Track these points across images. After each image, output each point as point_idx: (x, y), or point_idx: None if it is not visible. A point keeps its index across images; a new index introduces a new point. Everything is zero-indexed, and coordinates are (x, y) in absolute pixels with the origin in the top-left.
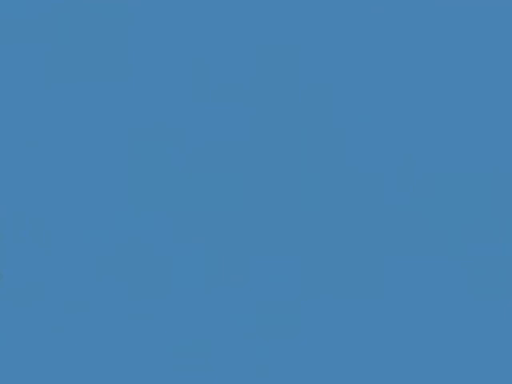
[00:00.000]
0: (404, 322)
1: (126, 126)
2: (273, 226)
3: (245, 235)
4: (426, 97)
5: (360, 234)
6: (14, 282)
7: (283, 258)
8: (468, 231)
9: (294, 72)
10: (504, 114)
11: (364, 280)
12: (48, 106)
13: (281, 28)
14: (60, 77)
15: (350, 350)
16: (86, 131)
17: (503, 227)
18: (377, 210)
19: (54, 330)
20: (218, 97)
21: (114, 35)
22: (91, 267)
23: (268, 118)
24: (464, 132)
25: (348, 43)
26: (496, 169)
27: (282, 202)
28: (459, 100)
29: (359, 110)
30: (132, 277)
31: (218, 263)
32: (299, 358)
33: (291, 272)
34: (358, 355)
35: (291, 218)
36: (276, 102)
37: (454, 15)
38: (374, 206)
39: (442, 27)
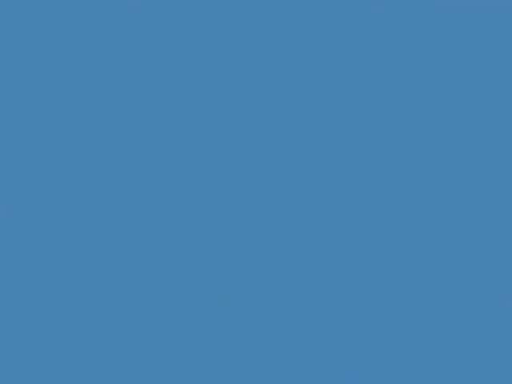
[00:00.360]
0: (404, 322)
1: (126, 126)
2: (272, 225)
3: (245, 234)
4: (426, 97)
5: (360, 233)
6: (13, 281)
7: (283, 258)
8: (468, 231)
9: (294, 72)
10: (504, 114)
11: (364, 280)
12: (48, 105)
13: (281, 28)
14: (60, 77)
15: (350, 351)
16: (86, 131)
17: (504, 227)
18: (377, 209)
19: (53, 330)
20: (217, 96)
21: (114, 35)
22: (91, 267)
23: (268, 118)
24: (464, 132)
25: (348, 43)
26: (497, 169)
27: (281, 202)
28: (460, 100)
29: (359, 109)
30: (132, 277)
31: (219, 263)
32: (299, 358)
33: (291, 272)
34: (358, 356)
35: (291, 218)
36: (276, 101)
37: (454, 15)
38: (374, 205)
39: (442, 27)
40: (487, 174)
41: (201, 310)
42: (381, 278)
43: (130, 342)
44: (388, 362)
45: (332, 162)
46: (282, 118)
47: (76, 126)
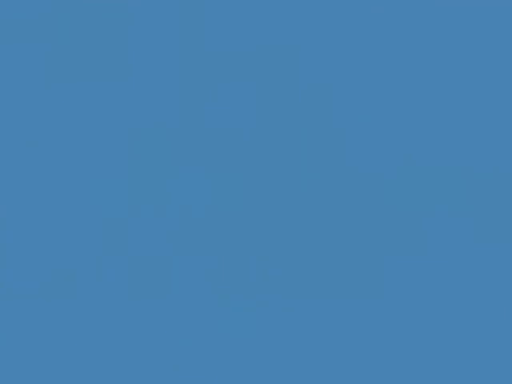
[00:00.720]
0: (403, 323)
1: (126, 126)
2: (272, 225)
3: (245, 234)
4: (426, 97)
5: (360, 234)
6: (13, 281)
7: (282, 257)
8: (468, 231)
9: (294, 72)
10: (504, 114)
11: (364, 281)
12: (48, 105)
13: (281, 28)
14: (60, 77)
15: (350, 351)
16: (86, 131)
17: (504, 228)
18: (377, 209)
19: (53, 330)
20: (217, 96)
21: (114, 35)
22: (91, 267)
23: (268, 117)
24: (464, 132)
25: (348, 43)
26: (497, 169)
27: (281, 202)
28: (460, 100)
29: (359, 109)
30: (132, 277)
31: (219, 263)
32: (299, 358)
33: (291, 272)
34: (358, 356)
35: (291, 218)
36: (276, 101)
37: (453, 15)
38: (374, 205)
39: (442, 27)
40: (487, 173)
41: (201, 309)
42: (381, 277)
43: (130, 342)
44: (388, 361)
45: (332, 161)
46: (282, 117)
47: (76, 126)
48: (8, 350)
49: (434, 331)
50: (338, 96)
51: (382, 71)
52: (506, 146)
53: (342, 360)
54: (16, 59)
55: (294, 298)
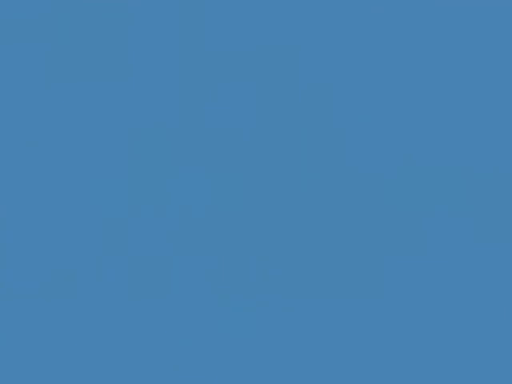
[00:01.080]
0: (403, 323)
1: (126, 126)
2: (272, 225)
3: (245, 234)
4: (426, 97)
5: (360, 234)
6: (13, 281)
7: (282, 257)
8: (468, 231)
9: (294, 72)
10: (504, 114)
11: (364, 281)
12: (48, 105)
13: (281, 28)
14: (60, 77)
15: (350, 351)
16: (86, 131)
17: (504, 228)
18: (377, 209)
19: (53, 330)
20: (217, 96)
21: (114, 35)
22: (91, 268)
23: (268, 118)
24: (464, 132)
25: (348, 43)
26: (497, 169)
27: (281, 203)
28: (460, 100)
29: (359, 109)
30: (132, 277)
31: (219, 263)
32: (299, 360)
33: (290, 272)
34: (358, 356)
35: (291, 218)
36: (276, 101)
37: (453, 15)
38: (374, 205)
39: (441, 27)
40: (487, 173)
41: (201, 309)
42: (381, 277)
43: (130, 342)
44: (388, 361)
45: (332, 161)
46: (282, 117)
47: (76, 126)
48: (8, 350)
49: (434, 331)
50: (338, 96)
51: (381, 71)
52: (506, 146)
53: (342, 360)
54: (16, 59)
55: (294, 298)
